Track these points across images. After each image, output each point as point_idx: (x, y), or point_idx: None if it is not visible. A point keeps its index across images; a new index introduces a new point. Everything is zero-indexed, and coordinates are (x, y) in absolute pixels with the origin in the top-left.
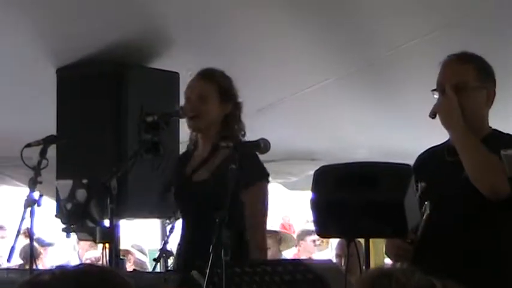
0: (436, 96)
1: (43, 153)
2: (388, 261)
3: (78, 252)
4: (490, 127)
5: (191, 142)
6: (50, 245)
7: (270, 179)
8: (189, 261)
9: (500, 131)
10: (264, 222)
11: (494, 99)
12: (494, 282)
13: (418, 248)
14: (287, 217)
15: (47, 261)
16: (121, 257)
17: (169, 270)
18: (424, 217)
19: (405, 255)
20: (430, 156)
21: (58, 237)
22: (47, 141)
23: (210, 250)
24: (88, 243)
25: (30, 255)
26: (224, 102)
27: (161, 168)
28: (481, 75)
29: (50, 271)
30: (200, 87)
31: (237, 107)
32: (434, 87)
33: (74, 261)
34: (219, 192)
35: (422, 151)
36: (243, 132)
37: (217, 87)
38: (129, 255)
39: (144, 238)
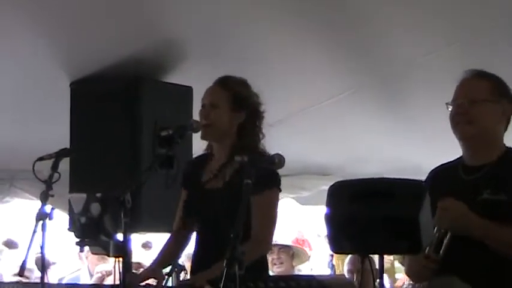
0: (450, 109)
1: (55, 167)
2: (398, 276)
3: (88, 266)
4: (505, 145)
5: (207, 148)
6: (53, 263)
7: (281, 187)
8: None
9: None
10: (272, 230)
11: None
12: None
13: (441, 269)
14: (301, 232)
15: (56, 274)
16: (133, 270)
17: (182, 284)
18: (447, 238)
19: (427, 274)
20: (444, 174)
21: (67, 250)
22: (59, 155)
23: (224, 265)
24: (97, 256)
25: (42, 269)
26: (237, 110)
27: (174, 183)
28: (495, 91)
29: None
30: (213, 94)
31: (254, 116)
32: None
33: (83, 274)
34: (231, 202)
35: (434, 166)
36: (262, 142)
37: (231, 95)
38: (141, 269)
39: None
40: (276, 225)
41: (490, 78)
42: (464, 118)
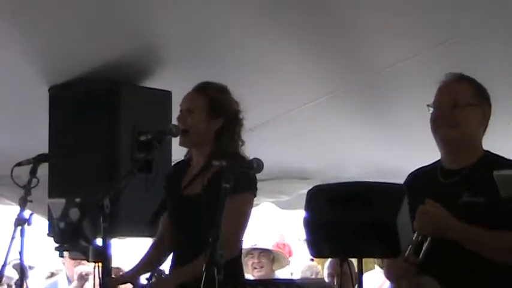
0: (431, 110)
1: (33, 172)
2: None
3: (66, 271)
4: (483, 149)
5: (187, 154)
6: (30, 268)
7: (256, 198)
8: None
9: (493, 153)
10: (241, 233)
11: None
12: None
13: (421, 271)
14: (282, 236)
15: (34, 280)
16: (113, 275)
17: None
18: (427, 241)
19: (407, 277)
20: (422, 177)
21: (45, 255)
22: (37, 160)
23: (203, 269)
24: (73, 261)
25: (21, 275)
26: (213, 116)
27: (153, 187)
28: (476, 94)
29: None
30: (190, 99)
31: (233, 123)
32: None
33: (61, 280)
34: (210, 207)
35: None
36: (241, 146)
37: (208, 101)
38: (120, 273)
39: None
40: (245, 229)
41: (472, 81)
42: (447, 121)
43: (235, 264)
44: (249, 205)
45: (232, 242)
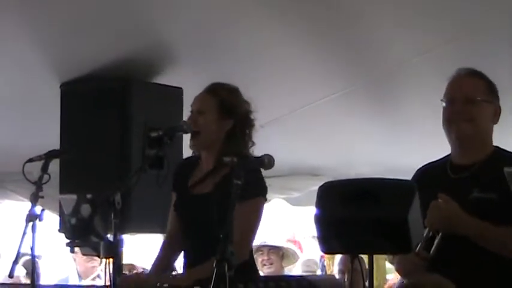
0: (444, 104)
1: (45, 168)
2: (389, 276)
3: (77, 268)
4: (493, 144)
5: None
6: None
7: (267, 196)
8: None
9: (503, 149)
10: (251, 238)
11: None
12: None
13: (431, 266)
14: (293, 233)
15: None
16: (124, 271)
17: (170, 285)
18: (438, 237)
19: (417, 272)
20: (432, 172)
21: (56, 250)
22: (49, 156)
23: (214, 265)
24: (84, 257)
25: (32, 270)
26: (224, 118)
27: (165, 183)
28: (489, 90)
29: None
30: (201, 100)
31: (242, 123)
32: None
33: (72, 276)
34: (221, 206)
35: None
36: (251, 147)
37: (218, 102)
38: (134, 271)
39: (149, 253)
40: (256, 234)
41: (484, 77)
42: (463, 116)
43: (249, 262)
44: (259, 211)
45: (243, 248)
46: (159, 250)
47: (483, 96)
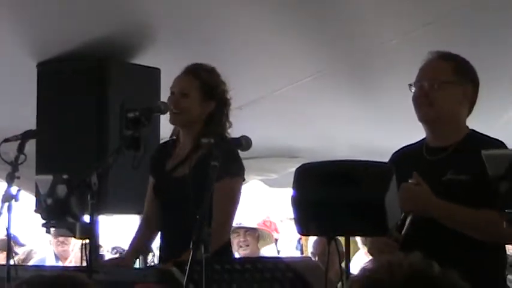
0: (413, 90)
1: (21, 149)
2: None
3: (54, 250)
4: (468, 127)
5: (173, 134)
6: (22, 245)
7: (245, 176)
8: (168, 257)
9: (478, 132)
10: (231, 218)
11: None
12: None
13: (402, 247)
14: (269, 214)
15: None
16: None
17: (149, 267)
18: (409, 219)
19: (390, 252)
20: (408, 155)
21: (34, 232)
22: (25, 136)
23: (191, 247)
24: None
25: (8, 251)
26: (207, 99)
27: (141, 164)
28: (457, 72)
29: (25, 280)
30: (183, 82)
31: (222, 104)
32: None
33: (49, 257)
34: (198, 187)
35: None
36: (229, 128)
37: (200, 84)
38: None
39: (125, 234)
40: (235, 212)
41: (454, 59)
42: (426, 100)
43: (225, 244)
44: (239, 189)
45: (223, 228)
46: (135, 231)
47: (448, 78)
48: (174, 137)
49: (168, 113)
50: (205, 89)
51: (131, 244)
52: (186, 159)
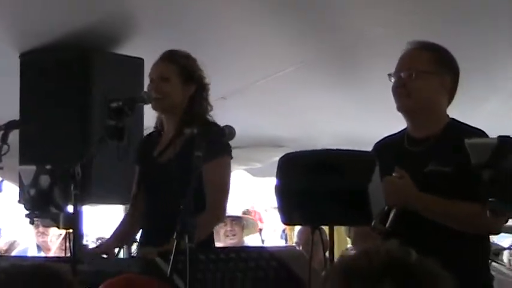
0: (393, 80)
1: (4, 139)
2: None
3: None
4: (448, 116)
5: (157, 123)
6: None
7: (231, 153)
8: (150, 240)
9: (458, 121)
10: (226, 197)
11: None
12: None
13: (386, 239)
14: (253, 204)
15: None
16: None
17: (133, 257)
18: (392, 212)
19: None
20: (390, 145)
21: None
22: (8, 127)
23: (175, 237)
24: (36, 230)
25: None
26: (187, 83)
27: (125, 154)
28: (435, 62)
29: (3, 269)
30: (161, 68)
31: (202, 88)
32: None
33: (31, 248)
34: (182, 172)
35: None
36: (210, 111)
37: (179, 68)
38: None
39: (109, 224)
40: (229, 192)
41: (432, 49)
42: (404, 90)
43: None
44: (228, 168)
45: (221, 208)
46: (120, 222)
47: (426, 68)
48: (159, 125)
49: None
50: (185, 73)
51: (114, 233)
52: (170, 145)
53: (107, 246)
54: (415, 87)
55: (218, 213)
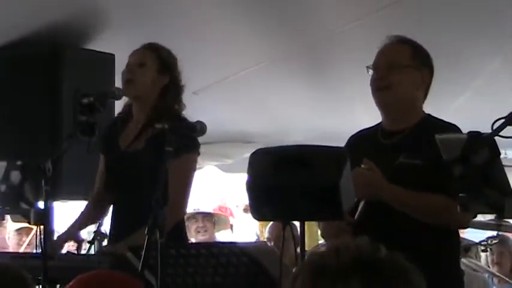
0: (371, 72)
1: None
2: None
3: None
4: (424, 112)
5: (124, 110)
6: None
7: (200, 162)
8: (120, 233)
9: (434, 117)
10: (187, 195)
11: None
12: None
13: (356, 231)
14: (224, 200)
15: None
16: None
17: (104, 252)
18: (361, 203)
19: (342, 236)
20: (363, 139)
21: None
22: None
23: (146, 232)
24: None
25: None
26: (162, 72)
27: (97, 150)
28: (415, 57)
29: None
30: (140, 54)
31: (176, 81)
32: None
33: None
34: (151, 165)
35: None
36: (183, 110)
37: (157, 56)
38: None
39: None
40: (191, 190)
41: (411, 44)
42: (383, 83)
43: (179, 228)
44: (193, 166)
45: (180, 205)
46: (85, 205)
47: (406, 62)
48: (125, 115)
49: (122, 87)
50: (162, 62)
51: (78, 217)
52: (139, 135)
53: (70, 232)
54: (396, 81)
55: (179, 209)
